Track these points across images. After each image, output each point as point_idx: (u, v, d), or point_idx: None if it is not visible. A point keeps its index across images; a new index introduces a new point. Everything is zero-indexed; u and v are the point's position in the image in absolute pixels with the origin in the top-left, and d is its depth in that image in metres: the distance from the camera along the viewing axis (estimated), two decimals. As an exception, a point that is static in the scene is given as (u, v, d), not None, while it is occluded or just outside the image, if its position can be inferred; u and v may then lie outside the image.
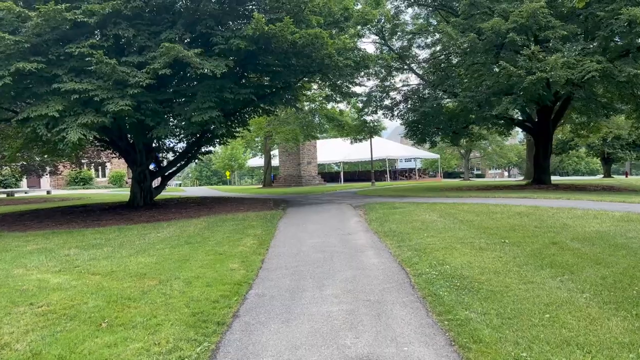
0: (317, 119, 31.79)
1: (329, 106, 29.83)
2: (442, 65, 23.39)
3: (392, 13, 21.45)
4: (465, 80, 21.31)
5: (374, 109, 24.33)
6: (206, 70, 11.82)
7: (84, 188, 44.35)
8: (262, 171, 48.15)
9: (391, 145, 53.74)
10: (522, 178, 43.15)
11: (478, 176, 72.12)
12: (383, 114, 24.38)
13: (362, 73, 20.71)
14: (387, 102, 24.36)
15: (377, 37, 23.37)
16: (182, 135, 19.25)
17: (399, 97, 24.42)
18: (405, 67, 24.32)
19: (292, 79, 16.37)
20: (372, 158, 35.41)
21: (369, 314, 4.70)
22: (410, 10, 22.78)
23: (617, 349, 3.58)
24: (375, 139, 33.43)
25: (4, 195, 32.86)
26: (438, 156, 55.42)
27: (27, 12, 11.40)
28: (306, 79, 18.75)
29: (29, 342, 4.25)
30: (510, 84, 16.07)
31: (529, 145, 37.42)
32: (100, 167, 47.71)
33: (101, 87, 11.81)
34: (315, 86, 23.70)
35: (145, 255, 8.08)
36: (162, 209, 16.29)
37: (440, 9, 21.16)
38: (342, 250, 7.84)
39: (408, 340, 3.98)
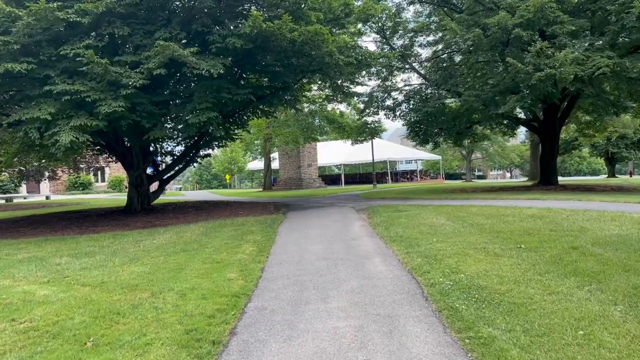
0: (317, 120, 31.36)
1: (329, 108, 29.42)
2: (445, 64, 22.95)
3: (393, 11, 21.03)
4: (469, 79, 20.89)
5: (376, 110, 23.88)
6: (203, 70, 11.38)
7: (83, 193, 43.94)
8: (262, 174, 47.71)
9: (392, 146, 53.31)
10: (525, 179, 42.66)
11: (479, 177, 71.65)
12: (385, 114, 23.92)
13: (364, 72, 20.27)
14: (388, 102, 23.94)
15: (377, 36, 22.95)
16: (180, 138, 18.81)
17: (400, 97, 24.00)
18: (407, 66, 23.88)
19: (292, 79, 15.94)
20: (373, 160, 34.94)
21: (379, 330, 4.25)
22: (411, 7, 22.32)
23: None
24: (376, 140, 33.02)
25: (3, 201, 32.46)
26: (439, 157, 54.93)
27: (17, 11, 10.98)
28: (306, 80, 18.32)
29: (1, 368, 3.81)
30: (516, 82, 15.63)
31: (532, 145, 36.99)
32: (99, 172, 47.27)
33: (94, 89, 11.39)
34: (315, 87, 23.27)
35: (139, 264, 7.63)
36: (159, 214, 15.85)
37: (443, 6, 20.73)
38: (346, 257, 7.40)
39: (426, 363, 3.53)
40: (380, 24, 21.90)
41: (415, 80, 25.49)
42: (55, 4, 11.14)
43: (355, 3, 14.20)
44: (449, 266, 6.14)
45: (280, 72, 14.97)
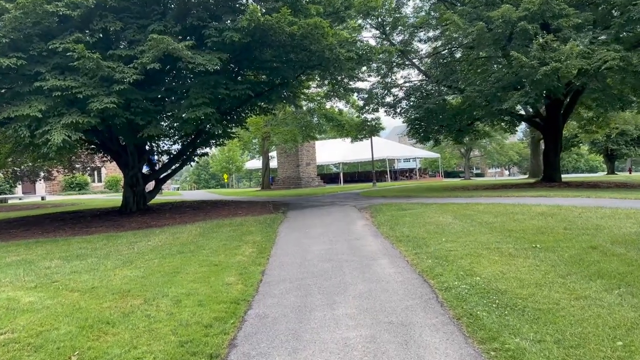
0: (315, 119, 30.94)
1: (328, 106, 29.00)
2: (445, 60, 22.55)
3: (393, 5, 20.61)
4: (469, 75, 20.50)
5: (376, 107, 23.46)
6: (198, 64, 10.95)
7: (79, 193, 43.43)
8: (260, 173, 47.26)
9: (390, 145, 52.92)
10: (523, 176, 42.33)
11: (478, 175, 71.28)
12: (385, 111, 23.49)
13: (364, 68, 19.85)
14: (388, 99, 23.51)
15: (377, 32, 22.56)
16: (176, 136, 18.39)
17: (401, 94, 23.60)
18: (407, 62, 23.48)
19: (291, 75, 15.52)
20: (372, 158, 34.54)
21: (393, 341, 3.86)
22: (411, 2, 21.93)
23: None
24: (375, 139, 32.59)
25: (-3, 202, 31.96)
26: (438, 155, 54.54)
27: (3, 3, 10.53)
28: (304, 77, 17.90)
29: (-28, 388, 3.41)
30: (519, 77, 15.24)
31: (532, 142, 36.63)
32: (96, 172, 46.72)
33: (86, 85, 10.97)
34: (314, 85, 22.85)
35: (132, 267, 7.23)
36: (155, 214, 15.43)
37: (444, 1, 20.31)
38: (351, 258, 7.00)
39: (450, 381, 3.14)
40: (380, 19, 21.49)
41: (415, 76, 25.03)
42: (45, -3, 10.72)
43: (356, -5, 13.80)
44: (463, 268, 5.75)
45: (279, 67, 14.56)
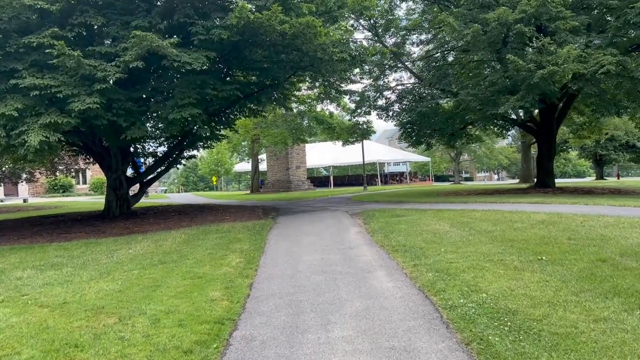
0: (306, 121, 30.48)
1: (319, 108, 28.58)
2: (437, 63, 22.26)
3: (386, 7, 20.28)
4: (462, 78, 20.24)
5: (367, 110, 23.08)
6: (184, 62, 10.44)
7: (63, 196, 42.41)
8: (249, 176, 46.63)
9: (381, 148, 52.60)
10: (515, 181, 42.26)
11: (467, 179, 71.29)
12: (377, 114, 23.12)
13: (356, 70, 19.45)
14: (381, 102, 23.16)
15: (369, 34, 22.19)
16: (162, 138, 17.81)
17: (393, 97, 23.24)
18: (400, 65, 23.15)
19: (281, 75, 15.06)
20: (364, 161, 34.17)
21: (397, 371, 3.42)
22: (404, 5, 21.64)
23: None
24: (366, 142, 32.18)
25: (-24, 205, 30.95)
26: (429, 159, 54.36)
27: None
28: (295, 79, 17.46)
29: None
30: (514, 81, 14.97)
31: (523, 147, 36.57)
32: (80, 174, 45.70)
33: (65, 83, 10.40)
34: (305, 86, 22.41)
35: (109, 279, 6.71)
36: (139, 219, 14.84)
37: (438, 3, 20.02)
38: (346, 270, 6.56)
39: None
40: (372, 21, 21.14)
41: (407, 79, 24.69)
42: (21, -10, 10.14)
43: (349, -6, 13.38)
44: (466, 283, 5.34)
45: (269, 68, 14.10)
